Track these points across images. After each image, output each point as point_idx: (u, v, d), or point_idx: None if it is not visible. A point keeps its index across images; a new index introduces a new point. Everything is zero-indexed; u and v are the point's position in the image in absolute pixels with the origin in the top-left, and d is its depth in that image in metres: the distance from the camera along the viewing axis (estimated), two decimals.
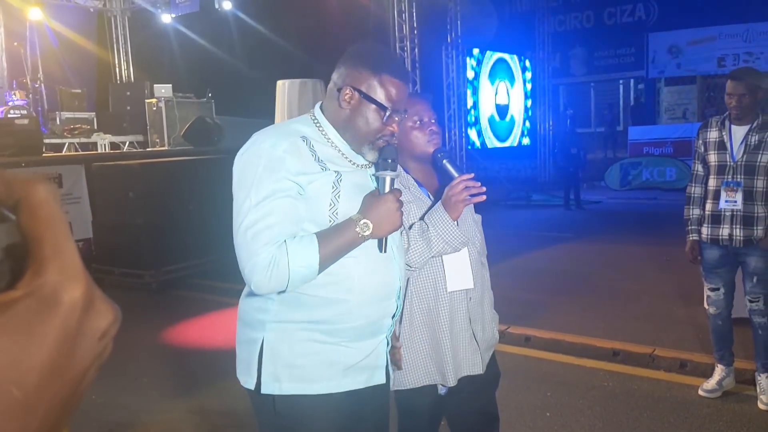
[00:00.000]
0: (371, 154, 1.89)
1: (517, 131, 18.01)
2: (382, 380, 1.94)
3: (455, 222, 2.15)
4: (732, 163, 3.77)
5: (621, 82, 20.89)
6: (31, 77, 12.12)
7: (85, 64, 14.67)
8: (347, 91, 1.84)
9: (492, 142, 16.95)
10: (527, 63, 18.24)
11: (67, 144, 11.49)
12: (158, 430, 4.03)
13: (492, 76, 16.88)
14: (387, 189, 1.85)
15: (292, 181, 1.73)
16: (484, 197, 2.16)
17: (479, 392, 2.44)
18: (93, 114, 13.03)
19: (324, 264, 1.72)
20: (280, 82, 9.00)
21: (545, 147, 17.57)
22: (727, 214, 3.78)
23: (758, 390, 3.92)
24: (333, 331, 1.82)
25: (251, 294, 1.84)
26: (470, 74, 15.71)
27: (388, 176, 1.86)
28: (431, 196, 2.31)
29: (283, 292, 1.75)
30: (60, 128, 11.81)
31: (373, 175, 1.93)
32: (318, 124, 1.88)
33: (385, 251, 1.86)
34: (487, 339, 2.41)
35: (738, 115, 3.77)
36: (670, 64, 17.15)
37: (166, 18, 14.58)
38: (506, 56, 17.46)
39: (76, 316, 0.37)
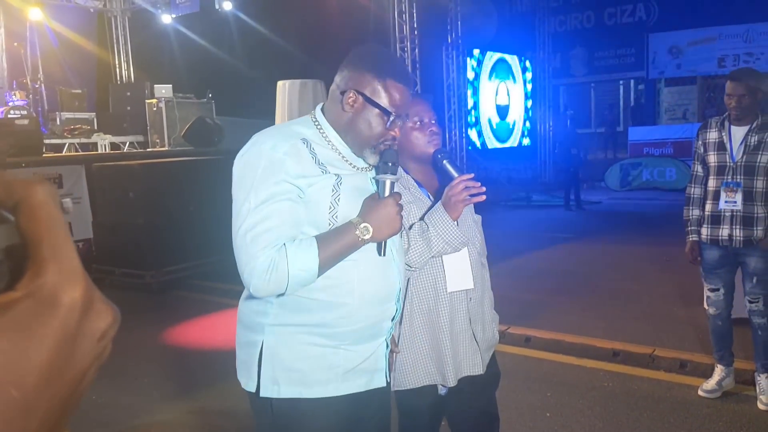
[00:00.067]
0: (372, 157, 1.88)
1: (517, 132, 18.00)
2: (382, 383, 1.94)
3: (455, 222, 2.15)
4: (732, 164, 3.77)
5: (621, 82, 20.90)
6: (31, 77, 12.13)
7: (85, 64, 14.67)
8: (351, 95, 1.83)
9: (492, 143, 16.95)
10: (527, 63, 18.23)
11: (67, 144, 11.50)
12: (159, 431, 4.03)
13: (492, 76, 16.88)
14: (387, 193, 1.84)
15: (292, 184, 1.72)
16: (483, 197, 2.17)
17: (479, 392, 2.44)
18: (93, 114, 13.04)
19: (323, 267, 1.72)
20: (280, 83, 9.01)
21: (545, 147, 17.56)
22: (727, 214, 3.78)
23: (758, 390, 3.92)
24: (332, 335, 1.81)
25: (251, 297, 1.84)
26: (470, 75, 15.71)
27: (388, 180, 1.85)
28: (431, 197, 2.31)
29: (282, 295, 1.75)
30: (60, 128, 11.82)
31: (373, 178, 1.92)
32: (319, 126, 1.87)
33: (384, 255, 1.85)
34: (487, 339, 2.41)
35: (737, 116, 3.77)
36: (670, 64, 17.15)
37: (167, 18, 14.59)
38: (506, 56, 17.46)
39: (75, 317, 0.37)
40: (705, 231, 3.88)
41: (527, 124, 18.36)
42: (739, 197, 3.75)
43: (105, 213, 7.96)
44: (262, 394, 1.82)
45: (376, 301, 1.86)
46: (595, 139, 19.63)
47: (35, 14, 12.63)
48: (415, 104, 2.24)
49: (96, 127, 12.57)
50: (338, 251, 1.75)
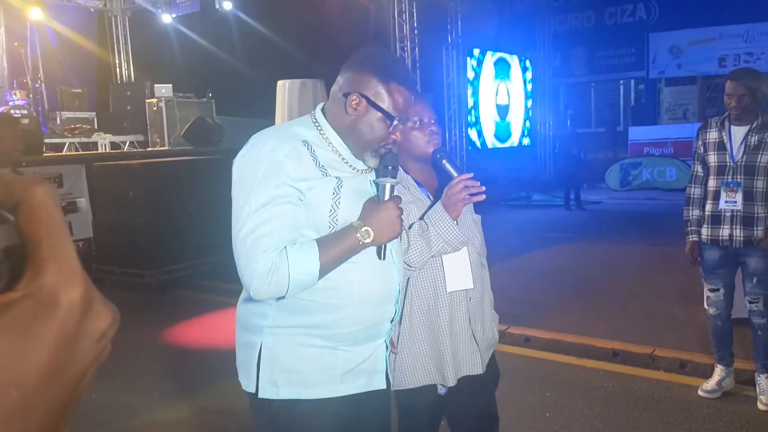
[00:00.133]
0: (372, 161, 1.87)
1: (517, 131, 17.98)
2: (382, 385, 1.93)
3: (455, 222, 2.15)
4: (732, 164, 3.77)
5: (621, 82, 20.86)
6: (31, 77, 12.13)
7: (85, 63, 14.67)
8: (354, 98, 1.81)
9: (492, 143, 16.94)
10: (528, 63, 18.22)
11: (67, 144, 11.50)
12: (159, 430, 4.03)
13: (492, 76, 16.86)
14: (387, 196, 1.84)
15: (293, 187, 1.71)
16: (483, 197, 2.17)
17: (479, 392, 2.44)
18: (93, 114, 13.04)
19: (324, 271, 1.71)
20: (280, 83, 9.00)
21: (545, 147, 17.55)
22: (727, 214, 3.78)
23: (758, 390, 3.92)
24: (331, 336, 1.81)
25: (249, 298, 1.83)
26: (470, 74, 15.69)
27: (388, 183, 1.85)
28: (431, 196, 2.31)
29: (282, 298, 1.74)
30: (60, 128, 11.82)
31: (373, 181, 1.91)
32: (319, 127, 1.86)
33: (383, 258, 1.85)
34: (486, 339, 2.41)
35: (738, 116, 3.77)
36: (670, 64, 17.13)
37: (167, 18, 14.58)
38: (507, 56, 17.45)
39: (74, 317, 0.37)
40: (705, 231, 3.88)
41: (527, 123, 18.34)
42: (739, 197, 3.75)
43: (105, 212, 7.96)
44: (261, 395, 1.81)
45: (376, 303, 1.86)
46: (596, 139, 19.59)
47: (35, 14, 12.63)
48: (415, 104, 2.24)
49: (96, 127, 12.58)
50: (339, 254, 1.74)
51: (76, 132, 11.75)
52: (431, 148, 2.27)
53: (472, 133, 15.89)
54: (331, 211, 1.76)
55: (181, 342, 5.62)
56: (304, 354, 1.80)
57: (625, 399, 4.13)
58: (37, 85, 12.28)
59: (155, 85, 12.10)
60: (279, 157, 1.72)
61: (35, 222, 0.37)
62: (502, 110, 17.34)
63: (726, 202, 3.78)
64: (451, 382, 2.29)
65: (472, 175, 2.16)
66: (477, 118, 16.25)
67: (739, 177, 3.75)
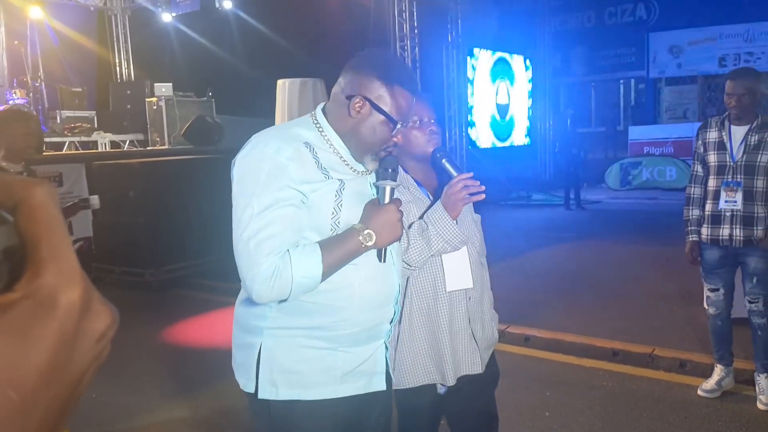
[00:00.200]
0: (372, 164, 1.87)
1: (517, 131, 17.99)
2: (382, 386, 1.93)
3: (454, 221, 2.15)
4: (732, 163, 3.77)
5: (622, 81, 20.83)
6: (31, 76, 12.12)
7: (85, 62, 14.66)
8: (358, 101, 1.80)
9: (492, 142, 16.94)
10: (528, 63, 18.21)
11: (67, 143, 11.50)
12: (158, 430, 4.03)
13: (492, 75, 16.86)
14: (387, 199, 1.84)
15: (296, 190, 1.70)
16: (483, 196, 2.17)
17: (478, 392, 2.44)
18: (93, 113, 13.03)
19: (326, 274, 1.71)
20: (280, 82, 9.01)
21: (545, 147, 17.54)
22: (727, 214, 3.78)
23: (757, 390, 3.93)
24: (331, 337, 1.81)
25: (248, 299, 1.82)
26: (470, 74, 15.69)
27: (388, 186, 1.85)
28: (430, 196, 2.31)
29: (284, 301, 1.73)
30: (60, 127, 11.82)
31: (374, 184, 1.91)
32: (320, 128, 1.84)
33: (384, 261, 1.85)
34: (486, 338, 2.41)
35: (737, 115, 3.77)
36: (670, 63, 17.13)
37: (167, 17, 14.58)
38: (507, 56, 17.44)
39: (73, 318, 0.37)
40: (705, 231, 3.88)
41: (527, 123, 18.34)
42: (739, 197, 3.75)
43: (105, 211, 7.94)
44: (261, 396, 1.81)
45: (376, 305, 1.86)
46: (596, 139, 19.59)
47: (35, 12, 12.63)
48: (415, 103, 2.24)
49: (96, 126, 12.57)
50: (341, 257, 1.74)
51: (76, 131, 11.75)
52: (431, 148, 2.27)
53: (472, 133, 15.89)
54: (333, 213, 1.76)
55: (181, 341, 5.62)
56: (303, 355, 1.80)
57: (625, 398, 4.13)
58: (37, 84, 12.27)
59: (155, 84, 12.09)
60: (282, 159, 1.71)
61: (35, 222, 0.37)
62: (502, 110, 17.33)
63: (726, 201, 3.78)
64: (451, 382, 2.29)
65: (471, 174, 2.16)
66: (477, 117, 16.25)
67: (739, 177, 3.75)
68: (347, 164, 1.84)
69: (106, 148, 11.85)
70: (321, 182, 1.74)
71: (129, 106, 12.79)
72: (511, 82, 17.70)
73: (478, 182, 2.15)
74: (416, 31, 12.12)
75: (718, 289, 3.95)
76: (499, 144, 17.22)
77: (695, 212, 3.96)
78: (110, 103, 13.38)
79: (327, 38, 13.13)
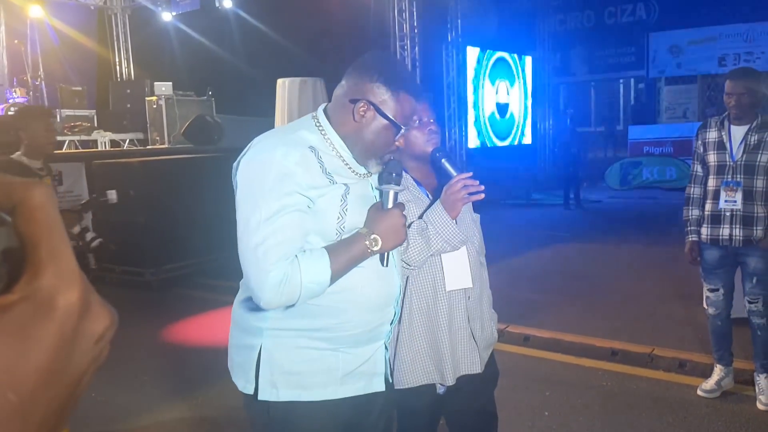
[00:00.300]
0: (376, 167, 1.87)
1: (517, 130, 17.98)
2: (381, 387, 1.93)
3: (454, 221, 2.16)
4: (731, 163, 3.77)
5: (621, 81, 20.88)
6: (31, 75, 12.12)
7: (85, 61, 14.65)
8: (362, 105, 1.79)
9: (492, 141, 16.94)
10: (528, 62, 18.21)
11: (67, 141, 11.49)
12: (158, 429, 4.03)
13: (492, 75, 16.85)
14: (390, 204, 1.84)
15: (303, 195, 1.69)
16: (482, 196, 2.17)
17: (478, 391, 2.44)
18: (93, 111, 13.03)
19: (334, 279, 1.71)
20: (280, 81, 9.01)
21: (545, 146, 17.54)
22: (727, 214, 3.78)
23: (757, 390, 3.93)
24: (332, 338, 1.81)
25: (249, 299, 1.82)
26: (470, 73, 15.69)
27: (392, 190, 1.85)
28: (430, 195, 2.31)
29: (291, 306, 1.73)
30: (60, 126, 11.79)
31: (377, 188, 1.91)
32: (322, 131, 1.83)
33: (387, 265, 1.85)
34: (485, 338, 2.41)
35: (737, 115, 3.77)
36: (670, 63, 17.12)
37: (167, 16, 14.58)
38: (506, 55, 17.44)
39: (72, 320, 0.37)
40: (705, 231, 3.88)
41: (527, 122, 18.34)
42: (739, 196, 3.75)
43: (105, 210, 7.93)
44: (260, 397, 1.81)
45: (378, 306, 1.86)
46: (595, 138, 19.62)
47: (36, 11, 12.63)
48: None
49: (96, 125, 12.57)
50: (348, 262, 1.74)
51: (76, 130, 11.74)
52: (430, 147, 2.27)
53: (472, 132, 15.89)
54: (339, 217, 1.75)
55: (181, 340, 5.62)
56: (304, 356, 1.80)
57: (624, 398, 4.13)
58: (37, 83, 12.27)
59: (155, 83, 12.09)
60: (289, 164, 1.69)
61: (33, 224, 0.37)
62: (502, 109, 17.33)
63: (726, 201, 3.78)
64: (450, 382, 2.29)
65: (471, 174, 2.16)
66: (477, 116, 16.26)
67: (738, 176, 3.75)
68: (350, 167, 1.83)
69: (106, 147, 11.85)
70: (327, 187, 1.74)
71: (129, 105, 12.79)
72: (511, 81, 17.70)
73: (478, 182, 2.15)
74: (416, 30, 12.12)
75: (717, 289, 3.95)
76: (499, 143, 17.22)
77: (695, 212, 3.96)
78: (110, 102, 13.38)
79: (327, 37, 13.14)
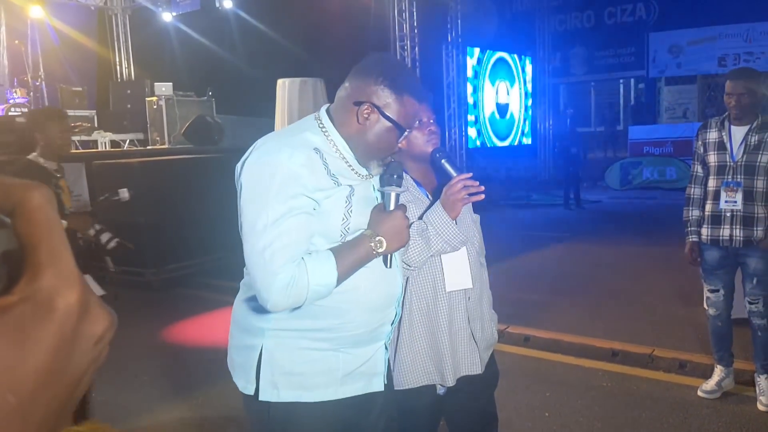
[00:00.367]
0: (377, 169, 1.87)
1: (517, 130, 18.00)
2: (381, 387, 1.94)
3: (454, 221, 2.16)
4: (732, 164, 3.77)
5: (621, 81, 20.89)
6: (32, 75, 12.12)
7: (85, 62, 14.66)
8: (367, 108, 1.80)
9: (492, 142, 16.95)
10: (527, 62, 18.23)
11: None
12: (158, 429, 4.03)
13: (492, 75, 16.87)
14: (393, 206, 1.84)
15: (309, 198, 1.69)
16: (482, 196, 2.17)
17: (478, 392, 2.44)
18: (93, 112, 13.03)
19: (340, 280, 1.71)
20: (280, 81, 9.00)
21: (545, 146, 17.56)
22: (727, 214, 3.78)
23: (757, 391, 3.92)
24: (334, 339, 1.81)
25: (250, 300, 1.82)
26: (470, 73, 15.70)
27: (393, 192, 1.85)
28: (430, 196, 2.31)
29: (298, 308, 1.73)
30: None
31: (379, 190, 1.91)
32: (326, 132, 1.83)
33: (390, 267, 1.86)
34: (485, 338, 2.41)
35: (737, 115, 3.77)
36: (670, 63, 17.14)
37: (167, 16, 14.58)
38: (506, 55, 17.46)
39: (71, 321, 0.37)
40: (705, 231, 3.88)
41: (527, 122, 18.36)
42: (739, 197, 3.74)
43: (105, 210, 7.94)
44: (261, 397, 1.81)
45: (380, 307, 1.87)
46: (595, 138, 19.65)
47: (36, 12, 12.63)
48: None
49: (96, 125, 12.56)
50: (354, 264, 1.74)
51: (76, 130, 11.73)
52: (430, 148, 2.28)
53: (472, 132, 15.90)
54: (343, 219, 1.76)
55: (182, 340, 5.62)
56: (306, 357, 1.80)
57: (624, 399, 4.13)
58: (38, 83, 12.27)
59: (155, 84, 12.08)
60: (295, 166, 1.69)
61: (32, 225, 0.37)
62: (502, 109, 17.35)
63: (726, 201, 3.78)
64: (450, 382, 2.29)
65: (471, 174, 2.16)
66: (477, 117, 16.27)
67: (739, 177, 3.75)
68: (352, 169, 1.83)
69: (106, 148, 11.85)
70: (332, 189, 1.74)
71: (129, 106, 12.79)
72: (511, 82, 17.71)
73: (478, 182, 2.15)
74: (416, 30, 12.13)
75: (718, 290, 3.95)
76: (499, 144, 17.24)
77: (695, 213, 3.96)
78: (110, 102, 13.38)
79: (327, 38, 13.15)
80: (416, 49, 12.14)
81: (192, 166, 8.30)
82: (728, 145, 3.79)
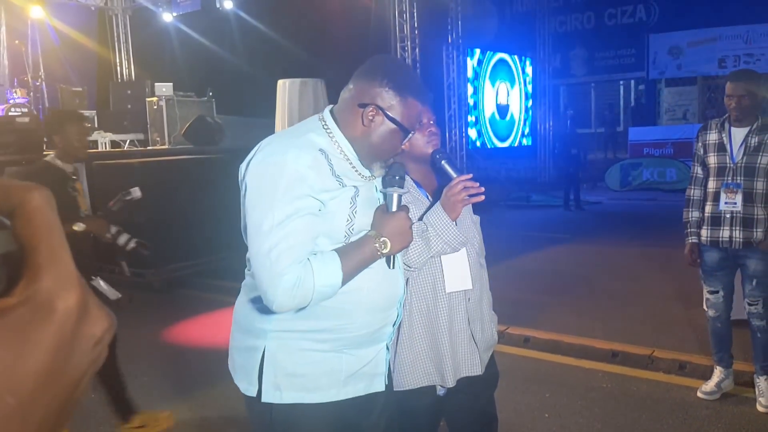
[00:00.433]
0: (380, 170, 1.88)
1: (517, 131, 18.01)
2: (381, 387, 1.94)
3: (454, 222, 2.15)
4: (732, 165, 3.77)
5: (621, 82, 20.88)
6: (32, 75, 12.12)
7: (86, 62, 14.68)
8: (371, 110, 1.80)
9: (492, 143, 16.96)
10: (528, 63, 18.24)
11: None
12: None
13: (493, 76, 16.88)
14: (395, 207, 1.85)
15: (315, 199, 1.70)
16: (482, 197, 2.17)
17: (478, 393, 2.44)
18: (94, 112, 13.03)
19: (345, 281, 1.71)
20: (280, 82, 9.00)
21: (545, 147, 17.57)
22: (727, 215, 3.78)
23: (757, 392, 3.92)
24: (336, 340, 1.81)
25: (252, 301, 1.82)
26: (471, 74, 15.71)
27: (396, 193, 1.86)
28: (430, 197, 2.31)
29: (303, 308, 1.73)
30: None
31: (381, 191, 1.92)
32: (330, 134, 1.83)
33: (393, 267, 1.86)
34: (485, 339, 2.41)
35: (738, 117, 3.77)
36: (670, 65, 17.15)
37: (167, 17, 14.60)
38: (507, 56, 17.46)
39: (70, 323, 0.37)
40: (705, 233, 3.88)
41: (527, 124, 18.37)
42: (739, 198, 3.74)
43: (105, 211, 7.94)
44: (264, 399, 1.80)
45: (381, 308, 1.87)
46: (595, 140, 19.63)
47: (36, 12, 12.65)
48: None
49: (96, 125, 12.57)
50: (359, 265, 1.75)
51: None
52: (430, 149, 2.27)
53: (472, 133, 15.91)
54: (348, 220, 1.76)
55: (183, 341, 5.62)
56: (308, 358, 1.80)
57: (624, 400, 4.13)
58: (38, 84, 12.27)
59: (156, 84, 12.10)
60: (301, 167, 1.69)
61: (32, 227, 0.37)
62: (502, 110, 17.36)
63: (726, 203, 3.78)
64: (450, 383, 2.29)
65: (471, 176, 2.16)
66: (477, 118, 16.28)
67: (739, 178, 3.75)
68: (356, 170, 1.84)
69: (106, 148, 11.86)
70: (337, 190, 1.74)
71: (129, 106, 12.80)
72: (511, 83, 17.72)
73: (478, 183, 2.15)
74: (416, 31, 12.13)
75: (717, 292, 3.95)
76: (499, 145, 17.24)
77: (695, 214, 3.96)
78: (111, 102, 13.39)
79: (327, 38, 13.16)
80: (417, 50, 12.15)
81: (192, 166, 8.30)
82: (728, 147, 3.79)
